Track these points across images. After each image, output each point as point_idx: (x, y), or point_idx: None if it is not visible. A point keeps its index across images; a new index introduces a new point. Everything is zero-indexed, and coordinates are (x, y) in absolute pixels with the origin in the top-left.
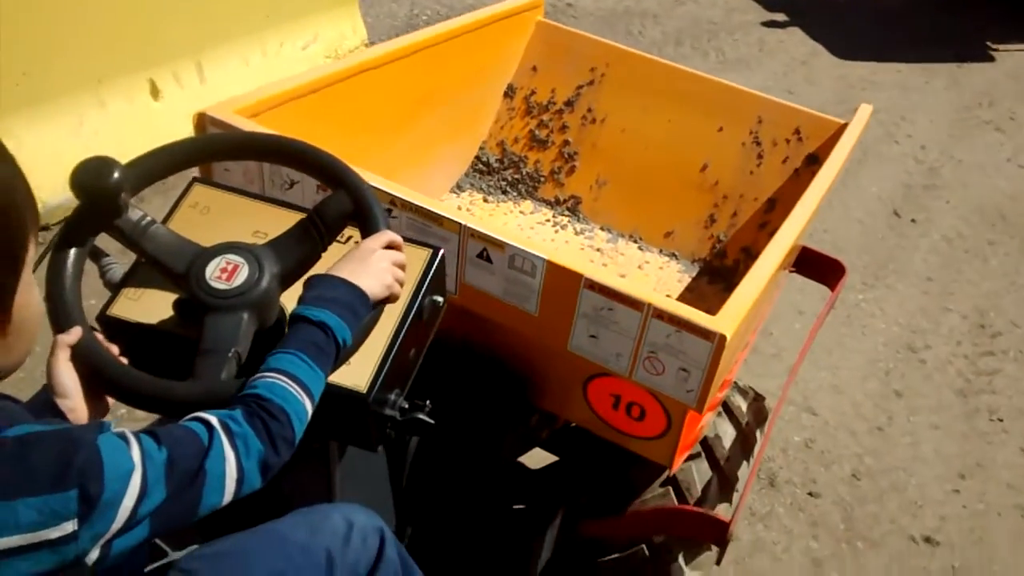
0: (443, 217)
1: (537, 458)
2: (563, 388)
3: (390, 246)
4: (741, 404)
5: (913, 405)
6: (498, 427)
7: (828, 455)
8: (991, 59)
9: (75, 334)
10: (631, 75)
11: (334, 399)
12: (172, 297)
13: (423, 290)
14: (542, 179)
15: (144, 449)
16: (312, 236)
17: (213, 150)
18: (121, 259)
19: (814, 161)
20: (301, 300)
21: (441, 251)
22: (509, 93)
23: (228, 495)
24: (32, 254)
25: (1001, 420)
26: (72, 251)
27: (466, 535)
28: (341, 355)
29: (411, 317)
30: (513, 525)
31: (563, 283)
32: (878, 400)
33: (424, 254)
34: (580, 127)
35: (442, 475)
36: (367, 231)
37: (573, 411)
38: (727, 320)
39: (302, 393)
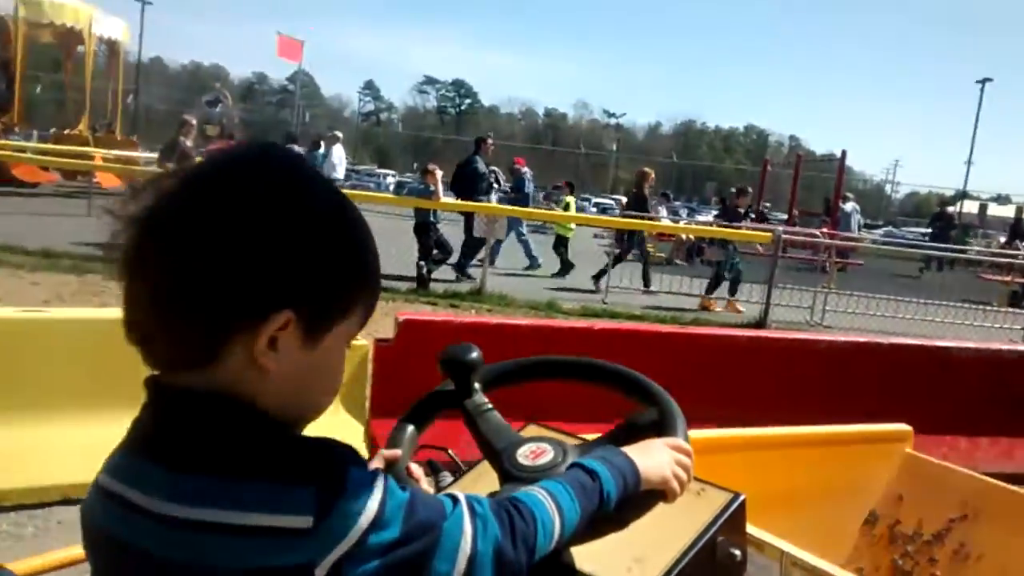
0: (764, 542)
1: None
2: None
3: (679, 450)
4: None
5: None
6: None
7: None
8: None
9: (393, 454)
10: (1011, 512)
11: None
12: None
13: (715, 528)
14: None
15: (386, 483)
16: (618, 441)
17: (564, 370)
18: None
19: None
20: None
21: (743, 496)
22: (870, 520)
23: (457, 572)
24: (359, 313)
25: None
26: (425, 407)
27: None
28: (600, 514)
29: (697, 549)
30: None
31: None
32: None
33: (724, 497)
34: (950, 562)
35: None
36: (663, 435)
37: None
38: None
39: (555, 511)
